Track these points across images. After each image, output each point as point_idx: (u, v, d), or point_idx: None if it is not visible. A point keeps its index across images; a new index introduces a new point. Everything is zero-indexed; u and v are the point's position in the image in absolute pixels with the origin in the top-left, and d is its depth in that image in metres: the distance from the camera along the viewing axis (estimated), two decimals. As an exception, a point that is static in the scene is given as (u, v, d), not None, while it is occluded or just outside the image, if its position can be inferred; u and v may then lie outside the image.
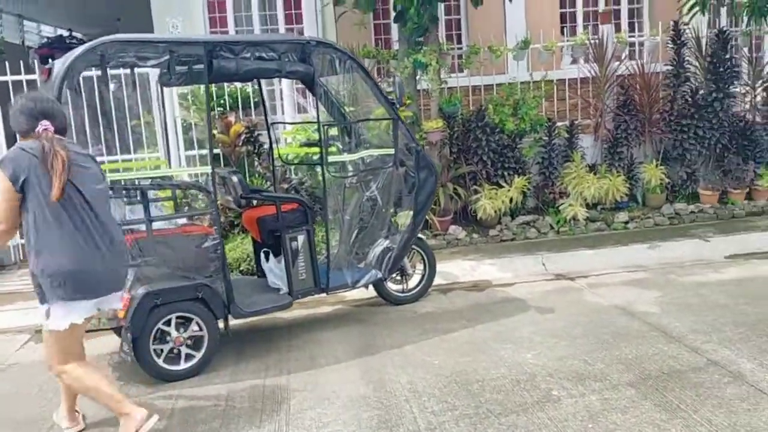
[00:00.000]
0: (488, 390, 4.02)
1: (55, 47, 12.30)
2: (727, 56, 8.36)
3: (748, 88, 8.72)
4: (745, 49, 8.82)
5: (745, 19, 8.36)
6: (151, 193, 4.78)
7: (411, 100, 7.64)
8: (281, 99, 8.56)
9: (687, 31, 8.41)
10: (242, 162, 7.70)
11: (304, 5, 9.20)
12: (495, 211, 7.68)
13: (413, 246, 5.75)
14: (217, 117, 7.70)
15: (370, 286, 5.60)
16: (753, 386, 3.84)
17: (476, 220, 7.91)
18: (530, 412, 3.71)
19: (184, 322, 4.52)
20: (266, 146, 7.02)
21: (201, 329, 4.55)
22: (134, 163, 7.43)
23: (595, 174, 8.05)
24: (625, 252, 6.98)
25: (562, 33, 9.60)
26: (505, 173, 7.98)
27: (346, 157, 5.74)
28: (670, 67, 8.46)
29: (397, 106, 5.40)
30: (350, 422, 3.75)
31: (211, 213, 4.75)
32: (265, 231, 5.26)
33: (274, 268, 5.27)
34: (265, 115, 6.02)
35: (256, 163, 7.72)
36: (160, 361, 4.44)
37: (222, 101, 8.03)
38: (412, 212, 5.61)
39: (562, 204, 7.92)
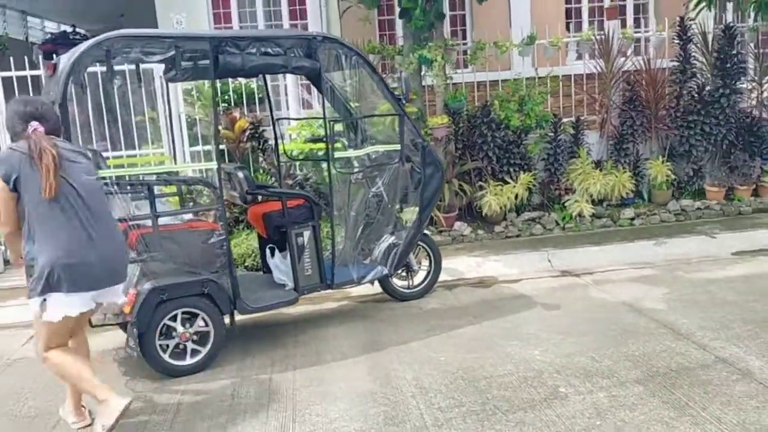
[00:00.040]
0: (495, 386, 4.00)
1: (58, 43, 12.25)
2: (734, 52, 8.33)
3: (754, 84, 8.69)
4: (752, 45, 8.78)
5: (752, 14, 8.34)
6: (156, 189, 4.78)
7: (416, 95, 7.61)
8: (286, 95, 8.54)
9: (693, 26, 8.38)
10: (247, 158, 7.69)
11: (308, 1, 9.18)
12: (500, 208, 7.66)
13: (419, 242, 5.74)
14: (221, 113, 7.68)
15: (376, 282, 5.59)
16: (762, 384, 3.82)
17: (481, 217, 7.89)
18: (538, 409, 3.69)
19: (190, 318, 4.51)
20: (271, 142, 7.02)
21: (207, 325, 4.55)
22: (139, 159, 7.43)
23: (600, 170, 8.02)
24: (631, 248, 6.95)
25: (568, 29, 9.57)
26: (511, 169, 7.96)
27: (351, 153, 5.72)
28: (676, 63, 8.42)
29: (404, 101, 5.38)
30: (357, 418, 3.74)
31: (217, 209, 4.75)
32: (270, 227, 5.25)
33: (279, 264, 5.26)
34: (270, 111, 6.01)
35: (260, 159, 7.71)
36: (166, 357, 4.44)
37: (226, 97, 8.02)
38: (417, 208, 5.60)
39: (567, 200, 7.90)
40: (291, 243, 5.03)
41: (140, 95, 7.13)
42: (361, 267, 5.40)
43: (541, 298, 5.66)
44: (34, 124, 3.41)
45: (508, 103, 8.04)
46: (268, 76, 5.86)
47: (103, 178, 4.28)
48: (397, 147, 5.38)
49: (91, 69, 5.59)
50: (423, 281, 5.88)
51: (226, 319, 4.70)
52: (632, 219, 7.87)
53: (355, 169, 5.38)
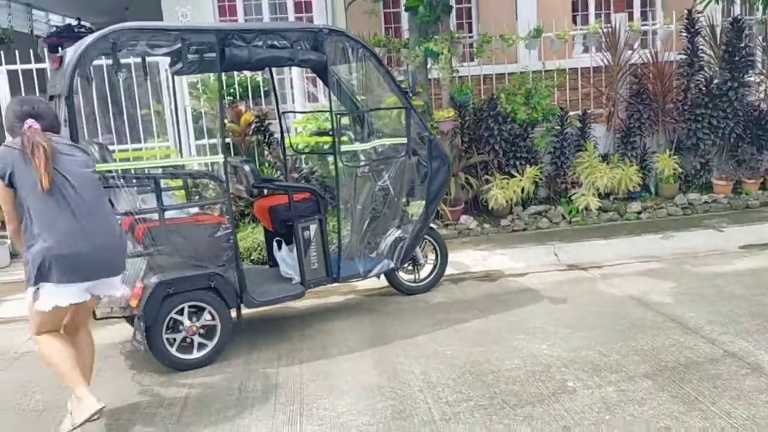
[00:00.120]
0: (503, 381, 3.99)
1: (63, 36, 12.23)
2: (742, 45, 8.25)
3: (762, 77, 8.62)
4: (760, 38, 8.70)
5: (761, 7, 8.25)
6: (162, 183, 4.77)
7: (422, 89, 7.58)
8: (291, 88, 8.51)
9: (701, 19, 8.30)
10: (252, 151, 7.68)
11: (314, -7, 9.15)
12: (506, 201, 7.64)
13: (425, 236, 5.72)
14: (227, 106, 7.66)
15: (382, 276, 5.57)
16: (771, 378, 3.80)
17: (488, 210, 7.87)
18: (546, 404, 3.68)
19: (196, 311, 4.51)
20: (277, 135, 6.99)
21: (213, 318, 4.54)
22: (144, 152, 7.42)
23: (607, 164, 7.99)
24: (638, 242, 6.93)
25: (574, 21, 9.50)
26: (517, 163, 7.92)
27: (358, 146, 5.70)
28: (683, 56, 8.36)
29: (410, 94, 5.36)
30: (364, 412, 3.73)
31: (224, 202, 4.74)
32: (277, 220, 5.24)
33: (286, 258, 5.25)
34: (276, 104, 5.99)
35: (266, 152, 7.69)
36: (172, 350, 4.43)
37: (232, 90, 7.99)
38: (424, 202, 5.58)
39: (574, 194, 7.87)
40: (297, 236, 5.02)
41: (146, 88, 7.11)
42: (367, 261, 5.39)
43: (547, 292, 5.64)
44: (30, 121, 3.47)
45: (515, 96, 8.00)
46: (273, 69, 5.84)
47: (110, 171, 4.29)
48: (404, 140, 5.35)
49: (96, 62, 5.55)
50: (429, 275, 5.86)
51: (233, 313, 4.70)
52: (639, 212, 7.84)
53: (362, 163, 5.36)
